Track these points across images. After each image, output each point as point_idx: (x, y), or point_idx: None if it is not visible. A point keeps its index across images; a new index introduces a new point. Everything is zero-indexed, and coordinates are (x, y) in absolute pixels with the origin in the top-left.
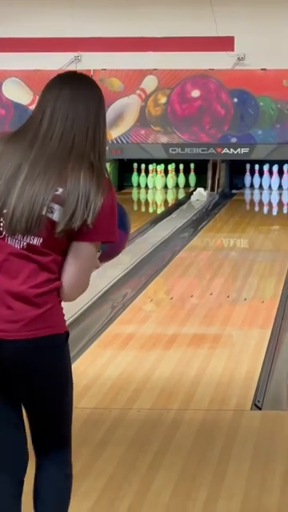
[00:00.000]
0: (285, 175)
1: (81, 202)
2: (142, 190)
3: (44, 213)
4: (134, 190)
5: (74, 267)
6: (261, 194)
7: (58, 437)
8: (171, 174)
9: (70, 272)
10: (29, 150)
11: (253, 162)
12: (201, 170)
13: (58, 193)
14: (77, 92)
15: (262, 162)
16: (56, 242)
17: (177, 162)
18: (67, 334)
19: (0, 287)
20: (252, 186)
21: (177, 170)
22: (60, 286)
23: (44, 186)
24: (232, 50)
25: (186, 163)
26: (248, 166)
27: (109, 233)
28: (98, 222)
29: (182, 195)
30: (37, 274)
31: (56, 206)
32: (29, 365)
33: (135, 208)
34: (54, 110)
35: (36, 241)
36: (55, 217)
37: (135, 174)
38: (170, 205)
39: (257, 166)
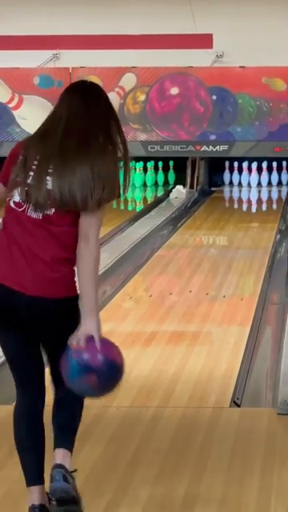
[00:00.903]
0: (264, 172)
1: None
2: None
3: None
4: None
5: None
6: (240, 191)
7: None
8: (150, 172)
9: None
10: (53, 146)
11: (232, 160)
12: (180, 167)
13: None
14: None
15: (241, 160)
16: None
17: (156, 160)
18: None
19: (30, 251)
20: (231, 183)
21: (156, 168)
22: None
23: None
24: (211, 47)
25: (165, 161)
26: (227, 164)
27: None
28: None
29: (161, 193)
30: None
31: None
32: (44, 320)
33: (114, 206)
34: (68, 115)
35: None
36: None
37: None
38: (149, 202)
39: (236, 164)
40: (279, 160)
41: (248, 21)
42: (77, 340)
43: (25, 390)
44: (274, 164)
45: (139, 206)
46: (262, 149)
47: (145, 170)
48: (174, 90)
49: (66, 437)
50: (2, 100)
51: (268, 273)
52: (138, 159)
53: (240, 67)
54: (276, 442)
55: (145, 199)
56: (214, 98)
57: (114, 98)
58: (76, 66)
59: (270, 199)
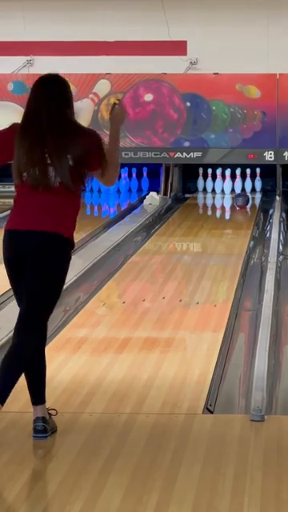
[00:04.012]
0: (237, 179)
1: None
2: (95, 194)
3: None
4: (87, 195)
5: None
6: (213, 197)
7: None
8: (124, 179)
9: None
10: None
11: (206, 166)
12: (154, 174)
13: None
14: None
15: (214, 166)
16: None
17: (129, 166)
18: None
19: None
20: (205, 189)
21: (129, 174)
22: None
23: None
24: (185, 54)
25: (139, 167)
26: (201, 170)
27: None
28: None
29: (134, 199)
30: None
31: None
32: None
33: (88, 212)
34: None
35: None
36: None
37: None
38: (122, 209)
39: (210, 170)
40: (253, 167)
41: (222, 28)
42: None
43: None
44: (248, 171)
45: (113, 213)
46: (235, 156)
47: (119, 176)
48: (148, 97)
49: None
50: None
51: (241, 279)
52: None
53: (214, 74)
54: (249, 448)
55: (118, 206)
56: (188, 104)
57: (88, 104)
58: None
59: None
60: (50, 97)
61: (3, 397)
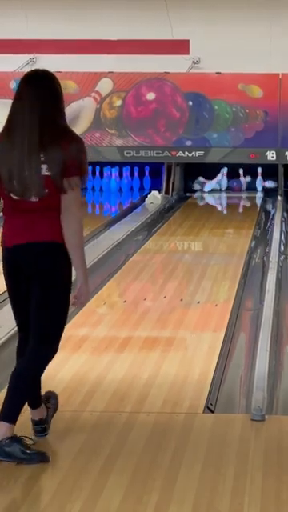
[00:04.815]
0: (241, 178)
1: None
2: (97, 193)
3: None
4: (89, 193)
5: None
6: (215, 197)
7: (39, 327)
8: (126, 177)
9: None
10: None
11: (208, 165)
12: (155, 172)
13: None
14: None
15: (216, 166)
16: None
17: (131, 165)
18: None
19: None
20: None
21: (131, 173)
22: None
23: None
24: (187, 53)
25: (141, 166)
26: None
27: None
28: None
29: (136, 198)
30: None
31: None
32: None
33: (89, 211)
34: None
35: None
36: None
37: (90, 176)
38: (124, 208)
39: (212, 170)
40: (254, 166)
41: (225, 27)
42: None
43: None
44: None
45: (114, 212)
46: (237, 155)
47: (120, 175)
48: (151, 96)
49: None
50: None
51: (242, 279)
52: (113, 164)
53: (216, 73)
54: (249, 448)
55: (120, 204)
56: (190, 103)
57: (90, 102)
58: (52, 71)
59: (245, 205)
60: (30, 97)
61: (16, 416)
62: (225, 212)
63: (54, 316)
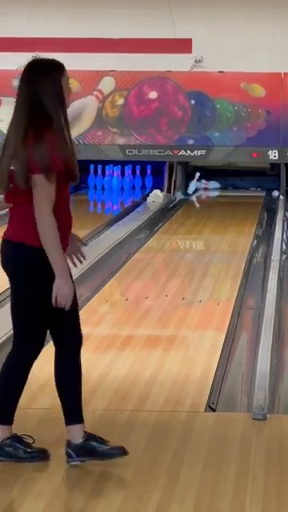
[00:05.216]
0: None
1: None
2: (99, 192)
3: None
4: (91, 191)
5: None
6: (216, 195)
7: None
8: (128, 176)
9: None
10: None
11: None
12: (157, 171)
13: None
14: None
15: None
16: None
17: (133, 164)
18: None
19: None
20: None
21: (133, 172)
22: None
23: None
24: (190, 52)
25: (143, 165)
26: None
27: None
28: None
29: (138, 197)
30: None
31: None
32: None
33: (91, 209)
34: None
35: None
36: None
37: (92, 175)
38: (126, 206)
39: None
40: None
41: (227, 26)
42: None
43: None
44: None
45: (116, 210)
46: (239, 154)
47: (122, 173)
48: (153, 95)
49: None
50: None
51: (244, 278)
52: (115, 163)
53: (219, 72)
54: (251, 447)
55: (122, 203)
56: (193, 102)
57: (92, 101)
58: None
59: (247, 204)
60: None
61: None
62: (226, 211)
63: (22, 316)
